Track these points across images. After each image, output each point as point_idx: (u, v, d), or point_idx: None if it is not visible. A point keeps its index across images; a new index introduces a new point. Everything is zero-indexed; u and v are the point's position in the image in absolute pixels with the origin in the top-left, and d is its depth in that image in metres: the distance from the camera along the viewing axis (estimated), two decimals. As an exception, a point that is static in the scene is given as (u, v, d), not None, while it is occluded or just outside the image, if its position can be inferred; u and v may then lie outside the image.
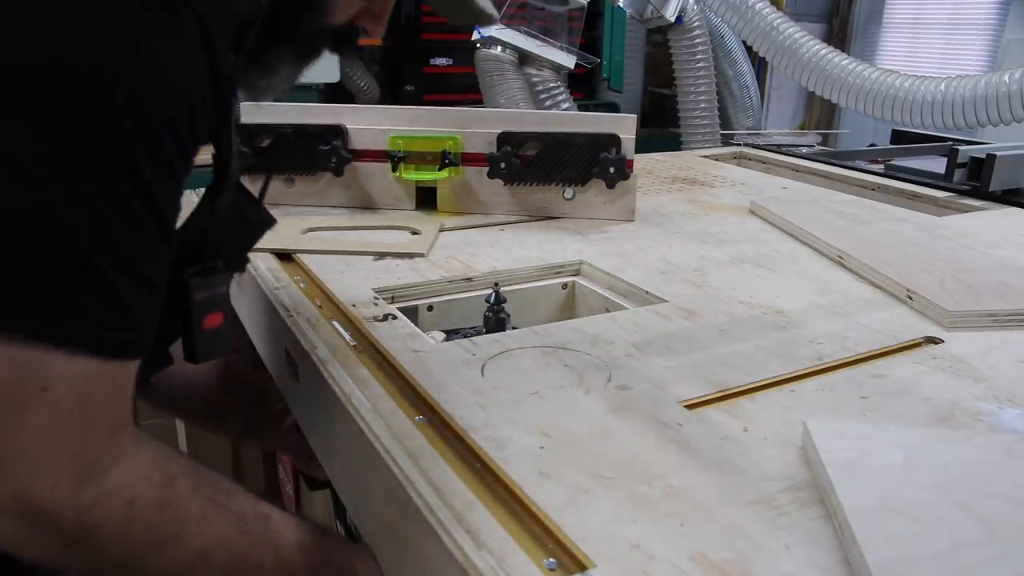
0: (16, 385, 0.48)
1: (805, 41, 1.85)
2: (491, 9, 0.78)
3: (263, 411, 1.05)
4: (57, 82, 0.47)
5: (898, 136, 2.33)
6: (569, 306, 1.08)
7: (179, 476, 0.58)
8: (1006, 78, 1.54)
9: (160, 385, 0.93)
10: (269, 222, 0.77)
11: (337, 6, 0.66)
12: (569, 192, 1.31)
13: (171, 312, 0.62)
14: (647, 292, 0.97)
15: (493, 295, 0.96)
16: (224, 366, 1.02)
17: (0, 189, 0.47)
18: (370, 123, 1.32)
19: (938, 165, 1.78)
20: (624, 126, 1.28)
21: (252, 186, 1.42)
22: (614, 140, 1.27)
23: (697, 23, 2.44)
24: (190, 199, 0.64)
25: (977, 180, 1.61)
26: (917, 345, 0.83)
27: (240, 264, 0.75)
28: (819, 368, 0.77)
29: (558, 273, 1.08)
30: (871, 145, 2.60)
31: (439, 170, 1.30)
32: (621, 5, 2.47)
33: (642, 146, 1.39)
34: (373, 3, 0.68)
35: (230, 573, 0.60)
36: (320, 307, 0.90)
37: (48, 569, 0.54)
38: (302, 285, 0.98)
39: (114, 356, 0.52)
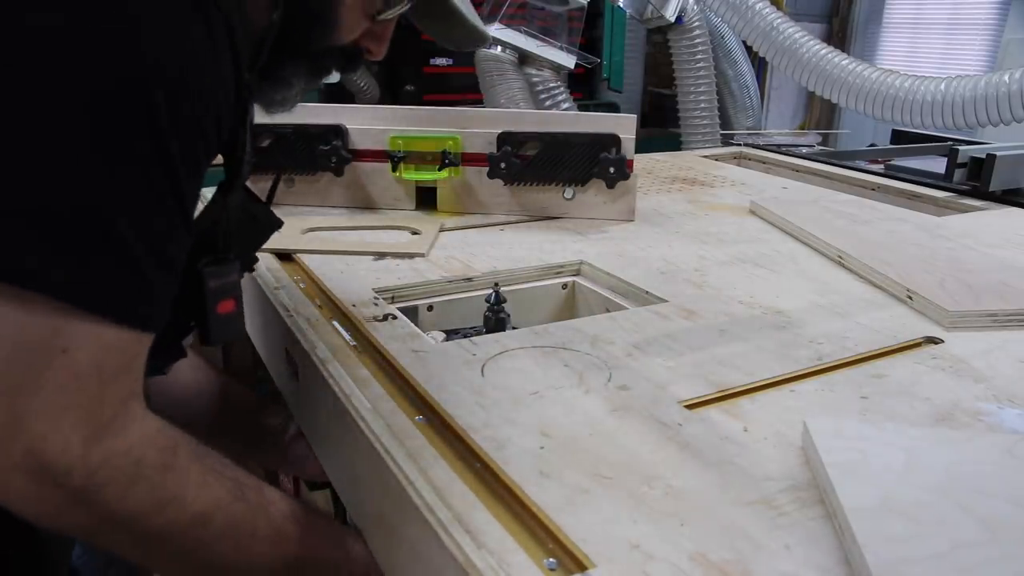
0: (40, 345, 0.50)
1: (805, 41, 1.85)
2: (482, 28, 0.81)
3: (259, 431, 1.05)
4: (103, 78, 0.50)
5: (898, 136, 2.33)
6: (569, 306, 1.08)
7: (182, 444, 0.61)
8: (1006, 78, 1.54)
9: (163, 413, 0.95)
10: (277, 223, 0.81)
11: (344, 26, 0.69)
12: (569, 192, 1.31)
13: (185, 303, 0.65)
14: (647, 292, 0.97)
15: (493, 295, 0.96)
16: (220, 391, 1.02)
17: (43, 165, 0.49)
18: (370, 123, 1.32)
19: (938, 165, 1.78)
20: (624, 126, 1.28)
21: (255, 187, 1.43)
22: (614, 140, 1.27)
23: (697, 23, 2.44)
24: (203, 195, 0.66)
25: (977, 180, 1.61)
26: (917, 345, 0.83)
27: (249, 263, 0.78)
28: (819, 368, 0.77)
29: (558, 273, 1.08)
30: (871, 145, 2.60)
31: (439, 170, 1.30)
32: (621, 5, 2.47)
33: (642, 146, 1.39)
34: (376, 25, 0.71)
35: (226, 536, 0.62)
36: (320, 307, 0.90)
37: (50, 534, 0.56)
38: (302, 285, 0.98)
39: (133, 326, 0.54)
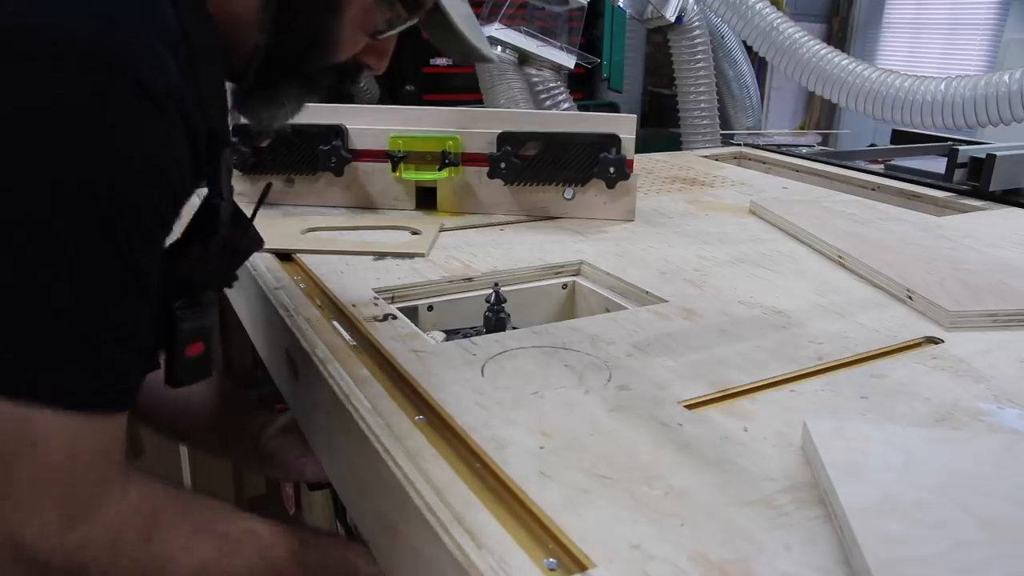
0: (8, 441, 0.51)
1: (805, 41, 1.85)
2: (486, 48, 0.80)
3: (236, 428, 1.04)
4: (48, 175, 0.50)
5: (898, 136, 2.33)
6: (569, 306, 1.08)
7: (165, 506, 0.61)
8: (1006, 78, 1.54)
9: (161, 416, 0.97)
10: (256, 246, 0.79)
11: (342, 45, 0.68)
12: (569, 192, 1.31)
13: (158, 333, 0.65)
14: (647, 292, 0.97)
15: (493, 295, 0.96)
16: (216, 393, 1.02)
17: None
18: (370, 123, 1.32)
19: (938, 165, 1.78)
20: (624, 126, 1.28)
21: (253, 187, 1.42)
22: (614, 140, 1.27)
23: (697, 23, 2.43)
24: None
25: (977, 180, 1.61)
26: (917, 345, 0.83)
27: (228, 282, 0.78)
28: (819, 368, 0.77)
29: (558, 273, 1.08)
30: (871, 145, 2.60)
31: (439, 170, 1.30)
32: (621, 5, 2.47)
33: (642, 146, 1.39)
34: (377, 40, 0.70)
35: None
36: (320, 307, 0.90)
37: None
38: (302, 285, 0.98)
39: (100, 411, 0.54)
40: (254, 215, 0.80)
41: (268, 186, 0.87)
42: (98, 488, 0.56)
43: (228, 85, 0.69)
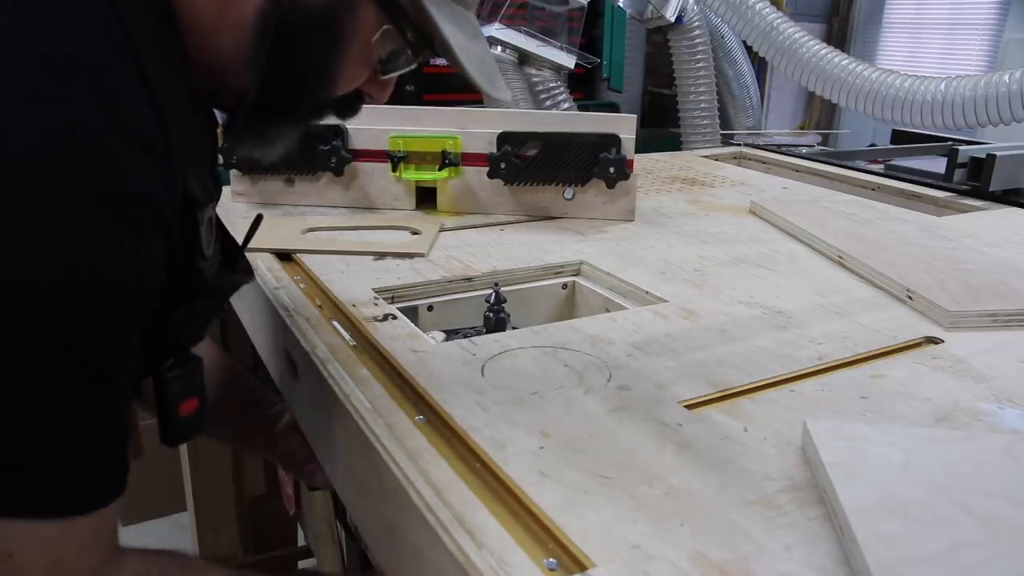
0: None
1: (805, 41, 1.85)
2: (499, 93, 0.75)
3: (255, 420, 1.05)
4: (11, 301, 0.47)
5: (898, 136, 2.33)
6: (569, 306, 1.08)
7: None
8: (1006, 78, 1.54)
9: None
10: (245, 278, 0.76)
11: (342, 80, 0.65)
12: (569, 192, 1.31)
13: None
14: (647, 292, 0.97)
15: (493, 295, 0.96)
16: (221, 371, 1.01)
17: None
18: (370, 123, 1.32)
19: (938, 165, 1.78)
20: (624, 126, 1.28)
21: (253, 187, 1.42)
22: (614, 140, 1.27)
23: (697, 23, 2.43)
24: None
25: (977, 180, 1.61)
26: (917, 345, 0.83)
27: (214, 319, 0.74)
28: (819, 368, 0.77)
29: (558, 273, 1.08)
30: (871, 145, 2.60)
31: (439, 170, 1.30)
32: (621, 5, 2.47)
33: (642, 146, 1.39)
34: (380, 74, 0.67)
35: None
36: (320, 307, 0.90)
37: None
38: (302, 285, 0.98)
39: (76, 513, 0.52)
40: (245, 245, 0.77)
41: (259, 218, 0.82)
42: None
43: (219, 116, 0.66)
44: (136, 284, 0.53)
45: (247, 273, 0.76)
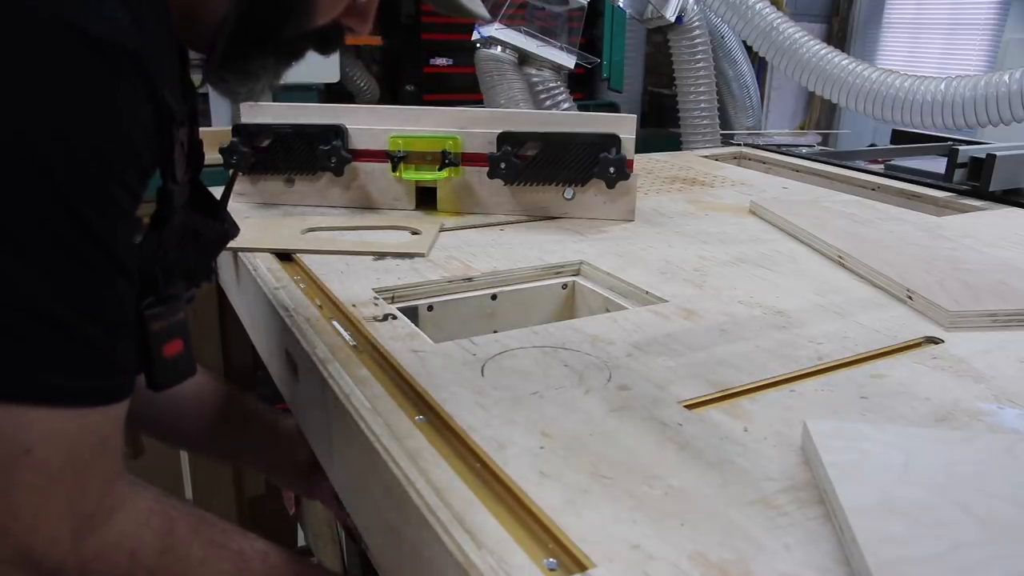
0: (3, 450, 0.49)
1: (805, 41, 1.85)
2: (479, 8, 0.76)
3: (259, 444, 1.03)
4: (7, 158, 0.47)
5: (898, 136, 2.33)
6: (569, 306, 1.08)
7: (178, 520, 0.59)
8: (1006, 78, 1.54)
9: (164, 420, 0.93)
10: (230, 233, 0.75)
11: (320, 8, 0.64)
12: (569, 192, 1.31)
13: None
14: (647, 292, 0.97)
15: None
16: (226, 399, 1.00)
17: None
18: (370, 123, 1.32)
19: (938, 165, 1.78)
20: (624, 126, 1.28)
21: (253, 187, 1.42)
22: (614, 140, 1.27)
23: (697, 23, 2.43)
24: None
25: (977, 180, 1.61)
26: (917, 345, 0.83)
27: (205, 275, 0.73)
28: (819, 368, 0.77)
29: (558, 273, 1.08)
30: (871, 145, 2.60)
31: (439, 170, 1.30)
32: (621, 5, 2.47)
33: (642, 146, 1.39)
34: (358, 1, 0.66)
35: None
36: (320, 307, 0.90)
37: None
38: (302, 285, 0.98)
39: (94, 404, 0.52)
40: (224, 202, 0.75)
41: (235, 173, 0.82)
42: (106, 489, 0.53)
43: (196, 57, 0.64)
44: (131, 140, 0.52)
45: (233, 226, 0.75)
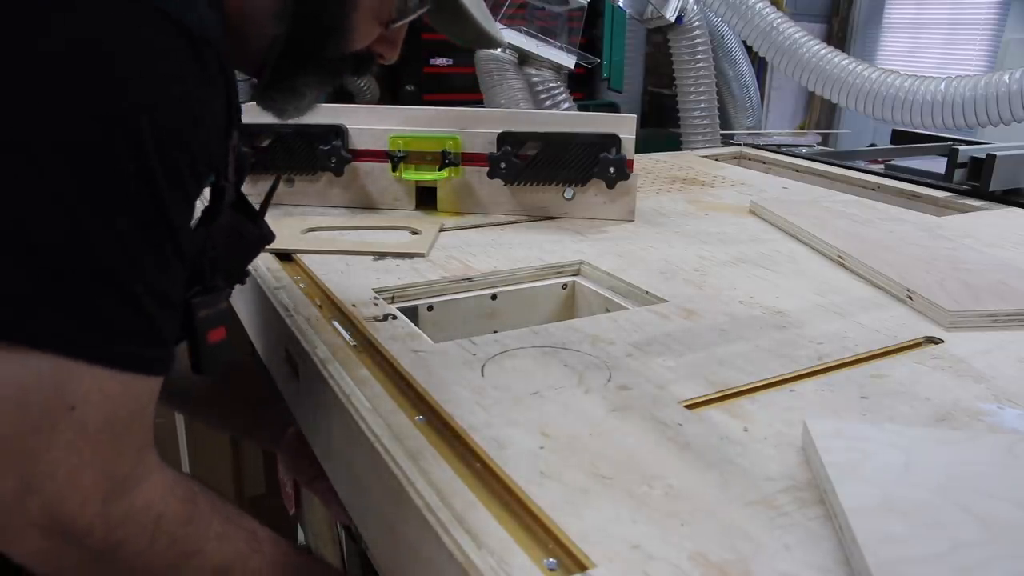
0: (45, 404, 0.49)
1: (805, 41, 1.85)
2: (496, 32, 0.80)
3: (265, 413, 1.05)
4: (86, 121, 0.49)
5: (898, 136, 2.33)
6: (569, 306, 1.08)
7: (200, 494, 0.60)
8: (1006, 78, 1.54)
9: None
10: (268, 238, 0.80)
11: (357, 33, 0.69)
12: (569, 192, 1.31)
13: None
14: (647, 292, 0.97)
15: None
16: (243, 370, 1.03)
17: (33, 213, 0.48)
18: (370, 123, 1.32)
19: (938, 165, 1.78)
20: (624, 126, 1.28)
21: (253, 187, 1.43)
22: (614, 140, 1.27)
23: (697, 23, 2.44)
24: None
25: (977, 180, 1.61)
26: (917, 345, 0.83)
27: (240, 277, 0.77)
28: (819, 368, 0.77)
29: (558, 273, 1.08)
30: (871, 145, 2.60)
31: (439, 170, 1.30)
32: (621, 5, 2.47)
33: (642, 146, 1.39)
34: (388, 31, 0.71)
35: None
36: (320, 307, 0.90)
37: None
38: (302, 285, 0.98)
39: (141, 372, 0.53)
40: (264, 209, 0.80)
41: (278, 178, 0.87)
42: (138, 457, 0.54)
43: (245, 80, 0.68)
44: (205, 129, 0.55)
45: (270, 232, 0.80)
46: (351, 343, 0.81)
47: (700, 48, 2.45)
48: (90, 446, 0.51)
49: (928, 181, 1.70)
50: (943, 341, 0.84)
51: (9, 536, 0.50)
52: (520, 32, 2.28)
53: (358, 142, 1.32)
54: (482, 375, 0.74)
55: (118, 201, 0.50)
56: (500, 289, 1.02)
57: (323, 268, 1.03)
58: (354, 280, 0.99)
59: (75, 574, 0.53)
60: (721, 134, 2.49)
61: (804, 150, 2.21)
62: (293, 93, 0.71)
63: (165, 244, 0.53)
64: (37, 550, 0.51)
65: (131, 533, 0.53)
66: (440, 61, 3.85)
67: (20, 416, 0.48)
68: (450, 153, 1.29)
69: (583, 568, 0.48)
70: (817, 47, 1.84)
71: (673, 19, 2.38)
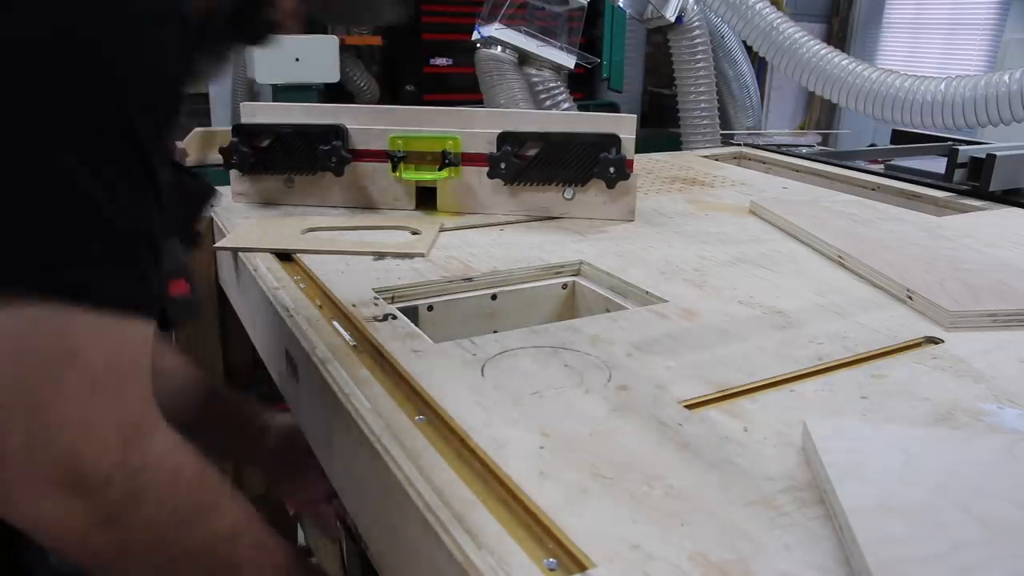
0: (46, 351, 0.47)
1: (805, 41, 1.85)
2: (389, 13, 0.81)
3: (240, 432, 1.03)
4: (63, 56, 0.48)
5: (898, 136, 2.33)
6: (569, 306, 1.08)
7: (202, 456, 0.58)
8: (1006, 78, 1.54)
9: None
10: (210, 193, 0.80)
11: (286, 4, 0.69)
12: (569, 192, 1.31)
13: None
14: (647, 292, 0.97)
15: None
16: (202, 387, 1.00)
17: (21, 160, 0.47)
18: (370, 123, 1.32)
19: (938, 165, 1.78)
20: (624, 126, 1.28)
21: (253, 187, 1.43)
22: (614, 140, 1.27)
23: (697, 23, 2.44)
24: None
25: (977, 180, 1.61)
26: (917, 345, 0.83)
27: (190, 238, 0.76)
28: (819, 368, 0.77)
29: (558, 273, 1.08)
30: (871, 145, 2.60)
31: (439, 170, 1.30)
32: (621, 5, 2.47)
33: (642, 146, 1.39)
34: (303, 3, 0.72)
35: (250, 560, 0.60)
36: (320, 307, 0.90)
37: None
38: (302, 285, 0.98)
39: (136, 315, 0.51)
40: (184, 166, 0.80)
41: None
42: (146, 406, 0.52)
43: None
44: (180, 79, 0.55)
45: (211, 187, 0.80)
46: (351, 343, 0.81)
47: (700, 48, 2.45)
48: (99, 392, 0.49)
49: (928, 181, 1.70)
50: (943, 341, 0.84)
51: (16, 495, 0.48)
52: (520, 32, 2.28)
53: (358, 142, 1.32)
54: (482, 375, 0.74)
55: (103, 143, 0.49)
56: (500, 289, 1.02)
57: (323, 268, 1.03)
58: (354, 280, 0.99)
59: (79, 540, 0.51)
60: (721, 134, 2.49)
61: (804, 150, 2.21)
62: (220, 58, 0.71)
63: (148, 190, 0.52)
64: (45, 511, 0.48)
65: (153, 480, 0.51)
66: (440, 61, 3.85)
67: (21, 365, 0.47)
68: (450, 153, 1.29)
69: (583, 568, 0.48)
70: (817, 47, 1.84)
71: (673, 19, 2.38)
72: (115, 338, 0.50)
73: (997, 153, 1.57)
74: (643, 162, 1.86)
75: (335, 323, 0.86)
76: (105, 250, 0.50)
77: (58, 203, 0.48)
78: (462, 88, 3.48)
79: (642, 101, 4.44)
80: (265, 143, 1.32)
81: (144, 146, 0.51)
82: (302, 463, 0.98)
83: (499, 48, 2.30)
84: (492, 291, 1.02)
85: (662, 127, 3.44)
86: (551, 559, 0.49)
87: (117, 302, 0.50)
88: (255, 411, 1.04)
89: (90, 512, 0.49)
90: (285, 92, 3.19)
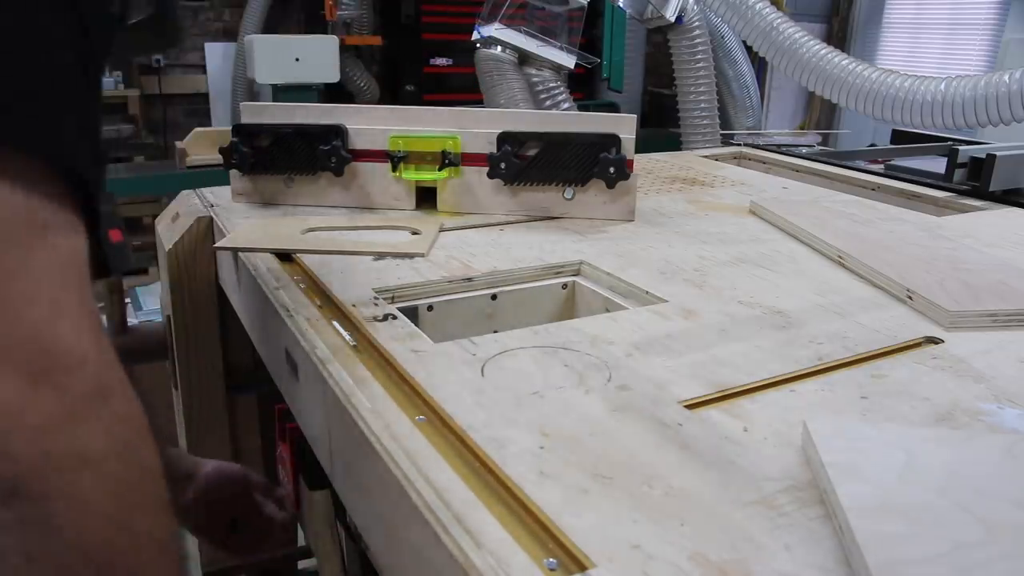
0: (15, 219, 0.43)
1: (805, 41, 1.86)
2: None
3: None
4: None
5: (898, 136, 2.33)
6: (569, 306, 1.08)
7: None
8: (1006, 78, 1.54)
9: None
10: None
11: None
12: (569, 192, 1.31)
13: None
14: (647, 292, 0.97)
15: None
16: None
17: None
18: (370, 123, 1.32)
19: (938, 165, 1.78)
20: (624, 126, 1.28)
21: (253, 187, 1.43)
22: (614, 140, 1.27)
23: (697, 23, 2.44)
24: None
25: (977, 180, 1.61)
26: (917, 345, 0.83)
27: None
28: (819, 368, 0.77)
29: (558, 273, 1.08)
30: (871, 145, 2.60)
31: (439, 170, 1.30)
32: (621, 5, 2.47)
33: (642, 146, 1.39)
34: None
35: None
36: (320, 307, 0.90)
37: None
38: (302, 285, 0.98)
39: (87, 214, 0.48)
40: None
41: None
42: (97, 312, 0.47)
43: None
44: None
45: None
46: (351, 343, 0.81)
47: (700, 48, 2.45)
48: (66, 274, 0.44)
49: (928, 181, 1.70)
50: (943, 341, 0.84)
51: None
52: (520, 32, 2.28)
53: (358, 142, 1.32)
54: (482, 375, 0.74)
55: (62, 39, 0.46)
56: (500, 289, 1.02)
57: (323, 268, 1.03)
58: (354, 280, 0.99)
59: (30, 437, 0.41)
60: (721, 134, 2.50)
61: (804, 150, 2.22)
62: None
63: (92, 76, 0.49)
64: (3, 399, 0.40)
65: (122, 380, 0.46)
66: (440, 61, 3.85)
67: None
68: (450, 153, 1.29)
69: (583, 568, 0.48)
70: (817, 47, 1.84)
71: (673, 19, 2.38)
72: (76, 227, 0.46)
73: (997, 153, 1.57)
74: (643, 162, 1.86)
75: (335, 323, 0.86)
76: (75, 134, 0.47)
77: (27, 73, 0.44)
78: (462, 88, 3.48)
79: (642, 101, 4.45)
80: (265, 143, 1.32)
81: (97, 65, 0.49)
82: (230, 510, 0.94)
83: (499, 48, 2.30)
84: (492, 291, 1.02)
85: (662, 127, 3.44)
86: (551, 559, 0.49)
87: (83, 177, 0.47)
88: (177, 457, 1.00)
89: (54, 405, 0.41)
90: (285, 92, 3.19)
